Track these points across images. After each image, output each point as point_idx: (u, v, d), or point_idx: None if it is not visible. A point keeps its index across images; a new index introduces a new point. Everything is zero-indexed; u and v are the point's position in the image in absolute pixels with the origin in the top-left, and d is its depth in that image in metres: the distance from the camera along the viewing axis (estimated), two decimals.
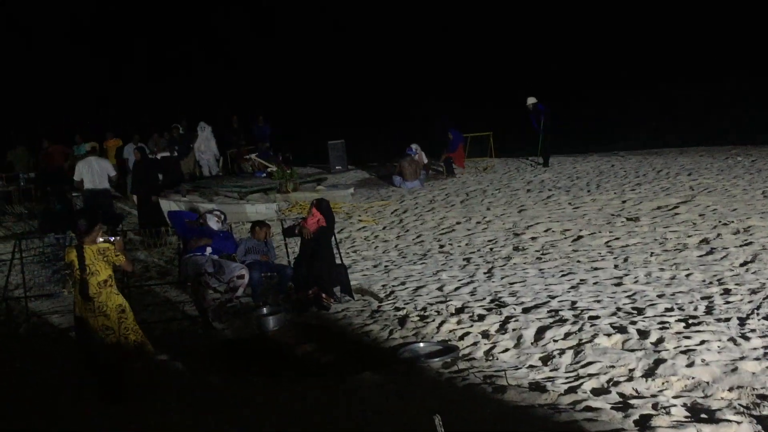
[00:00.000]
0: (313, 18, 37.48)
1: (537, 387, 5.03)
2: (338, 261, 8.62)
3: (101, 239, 5.82)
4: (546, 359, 5.67)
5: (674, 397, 4.65)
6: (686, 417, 4.32)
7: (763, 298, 6.66)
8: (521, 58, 32.11)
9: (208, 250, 7.98)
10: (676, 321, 6.13)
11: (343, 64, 35.66)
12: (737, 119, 21.34)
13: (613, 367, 5.28)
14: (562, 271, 8.58)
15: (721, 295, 6.95)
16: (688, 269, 8.02)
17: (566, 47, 32.35)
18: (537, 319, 6.56)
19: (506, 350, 5.96)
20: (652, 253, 8.94)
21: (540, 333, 6.20)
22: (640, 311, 6.59)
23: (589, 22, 32.39)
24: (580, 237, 10.22)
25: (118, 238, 6.05)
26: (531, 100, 17.49)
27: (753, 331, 5.73)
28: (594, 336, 5.92)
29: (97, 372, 5.77)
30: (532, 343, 6.04)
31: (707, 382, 4.82)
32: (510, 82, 26.94)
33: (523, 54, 32.47)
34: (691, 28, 29.66)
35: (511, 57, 32.49)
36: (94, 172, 12.87)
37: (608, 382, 5.04)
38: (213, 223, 8.26)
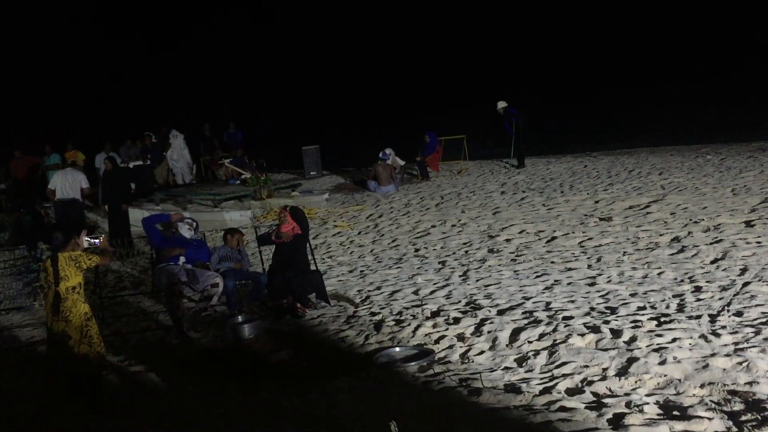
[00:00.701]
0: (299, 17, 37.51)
1: (512, 388, 5.06)
2: (313, 267, 8.60)
3: (87, 238, 5.94)
4: (521, 360, 5.70)
5: (647, 395, 4.70)
6: (659, 414, 4.37)
7: (734, 295, 6.76)
8: (497, 62, 32.42)
9: (182, 259, 7.91)
10: (648, 319, 6.20)
11: (320, 71, 35.75)
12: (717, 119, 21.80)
13: (587, 366, 5.33)
14: (536, 272, 8.63)
15: (692, 292, 7.04)
16: (659, 268, 8.11)
17: (547, 49, 32.76)
18: (512, 320, 6.60)
19: (481, 352, 5.98)
20: (624, 252, 9.03)
21: (515, 334, 6.23)
22: (613, 310, 6.65)
23: (576, 23, 32.83)
24: (554, 238, 10.30)
25: (103, 237, 6.16)
26: (501, 104, 17.59)
27: (723, 327, 5.81)
28: (568, 336, 5.96)
29: (71, 381, 5.76)
30: (507, 345, 6.07)
31: (679, 380, 4.88)
32: (486, 85, 27.16)
33: (500, 57, 32.80)
34: (676, 30, 30.20)
35: (487, 60, 32.80)
36: (66, 183, 12.74)
37: (582, 381, 5.08)
38: (185, 231, 8.19)
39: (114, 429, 5.30)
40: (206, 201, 15.80)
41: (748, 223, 9.65)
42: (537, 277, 8.38)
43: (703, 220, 10.11)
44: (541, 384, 5.10)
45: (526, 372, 5.45)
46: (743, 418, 4.20)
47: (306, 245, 8.39)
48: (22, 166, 17.66)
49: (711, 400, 4.50)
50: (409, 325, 6.85)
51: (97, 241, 6.00)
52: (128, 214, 13.03)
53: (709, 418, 4.20)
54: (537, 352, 5.77)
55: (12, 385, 6.52)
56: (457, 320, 6.81)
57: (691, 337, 5.61)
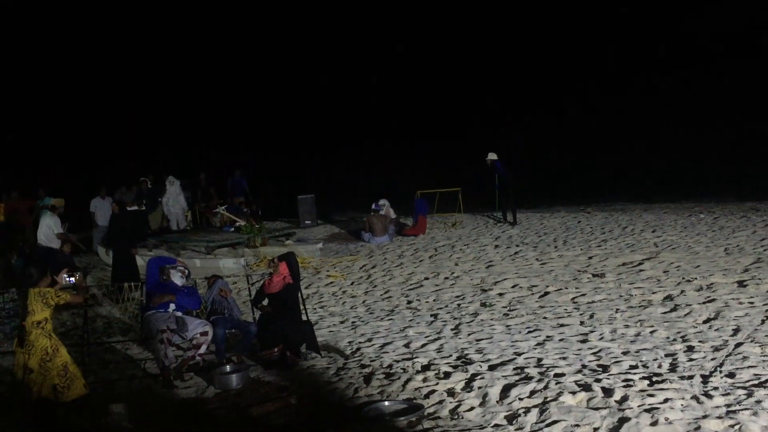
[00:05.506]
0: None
1: None
2: (304, 317, 8.54)
3: (65, 275, 6.26)
4: (511, 418, 5.62)
5: None
6: None
7: (726, 356, 6.72)
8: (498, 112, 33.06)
9: (172, 306, 7.85)
10: (640, 378, 6.14)
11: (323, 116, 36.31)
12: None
13: (578, 425, 5.25)
14: (528, 327, 8.58)
15: (684, 352, 6.99)
16: (652, 326, 8.08)
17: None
18: (503, 376, 6.53)
19: (471, 409, 5.90)
20: (617, 309, 9.00)
21: (506, 391, 6.16)
22: (605, 368, 6.59)
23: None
24: (546, 293, 10.27)
25: (79, 274, 6.43)
26: (491, 156, 17.52)
27: (716, 389, 5.76)
28: (559, 394, 5.90)
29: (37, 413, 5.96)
30: (497, 402, 6.00)
31: None
32: (484, 135, 27.51)
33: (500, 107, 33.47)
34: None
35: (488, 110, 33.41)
36: (41, 231, 12.86)
37: None
38: (177, 279, 8.15)
39: None
40: (199, 248, 15.75)
41: (741, 283, 9.65)
42: (529, 332, 8.33)
43: (696, 279, 10.11)
44: None
45: (516, 430, 5.38)
46: None
47: (298, 295, 8.35)
48: (16, 207, 17.62)
49: None
50: (399, 378, 6.78)
51: (72, 279, 6.21)
52: (135, 258, 13.02)
53: None
54: (528, 410, 5.69)
55: None
56: (447, 375, 6.73)
57: (683, 398, 5.55)
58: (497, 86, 34.56)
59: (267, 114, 36.56)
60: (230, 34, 36.90)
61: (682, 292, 9.51)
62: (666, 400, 5.53)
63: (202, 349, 7.82)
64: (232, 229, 17.34)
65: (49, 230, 12.82)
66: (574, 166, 27.09)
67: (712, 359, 6.65)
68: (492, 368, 6.87)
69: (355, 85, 36.63)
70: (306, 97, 36.42)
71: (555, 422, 5.36)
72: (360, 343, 8.46)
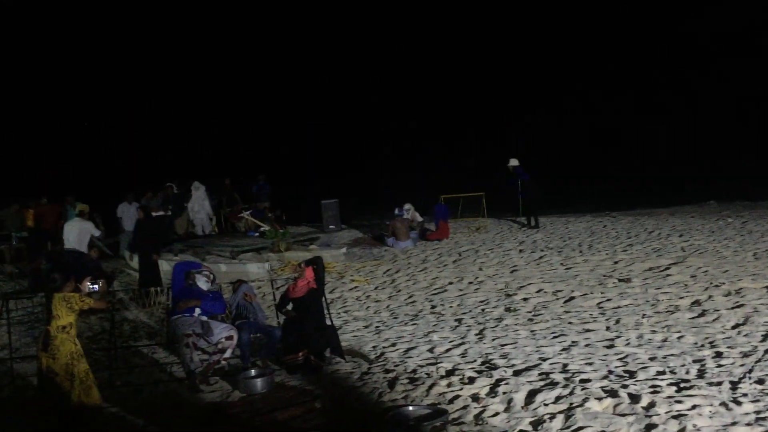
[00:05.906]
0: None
1: None
2: (328, 322, 8.55)
3: (88, 283, 6.33)
4: (536, 424, 5.58)
5: None
6: None
7: (755, 362, 6.61)
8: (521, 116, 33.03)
9: (197, 311, 7.91)
10: (667, 385, 6.06)
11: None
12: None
13: None
14: (553, 332, 8.52)
15: (713, 358, 6.90)
16: (679, 331, 7.98)
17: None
18: (528, 382, 6.49)
19: (496, 414, 5.87)
20: (643, 314, 8.91)
21: (531, 396, 6.11)
22: (631, 374, 6.52)
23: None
24: (572, 298, 10.19)
25: (102, 281, 6.55)
26: (513, 162, 17.61)
27: (745, 395, 5.67)
28: (585, 400, 5.84)
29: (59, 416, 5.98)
30: (522, 407, 5.96)
31: None
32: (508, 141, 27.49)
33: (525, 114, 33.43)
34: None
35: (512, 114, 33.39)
36: (72, 234, 13.01)
37: None
38: (202, 284, 8.21)
39: None
40: (224, 252, 15.86)
41: None
42: (554, 337, 8.27)
43: (724, 283, 9.97)
44: None
45: None
46: None
47: (321, 300, 8.37)
48: (46, 213, 17.90)
49: None
50: (423, 383, 6.76)
51: (96, 286, 6.31)
52: (158, 264, 13.13)
53: None
54: (553, 416, 5.65)
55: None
56: (472, 380, 6.70)
57: (711, 405, 5.48)
58: (497, 86, 34.55)
59: (283, 118, 36.86)
60: (244, 38, 37.21)
61: (710, 297, 9.39)
62: (694, 407, 5.46)
63: (227, 354, 7.86)
64: (257, 233, 17.44)
65: (83, 234, 13.01)
66: (573, 166, 26.99)
67: (741, 365, 6.56)
68: (517, 373, 6.83)
69: (356, 88, 36.83)
70: (327, 101, 36.65)
71: (581, 428, 5.31)
72: (384, 347, 8.46)
